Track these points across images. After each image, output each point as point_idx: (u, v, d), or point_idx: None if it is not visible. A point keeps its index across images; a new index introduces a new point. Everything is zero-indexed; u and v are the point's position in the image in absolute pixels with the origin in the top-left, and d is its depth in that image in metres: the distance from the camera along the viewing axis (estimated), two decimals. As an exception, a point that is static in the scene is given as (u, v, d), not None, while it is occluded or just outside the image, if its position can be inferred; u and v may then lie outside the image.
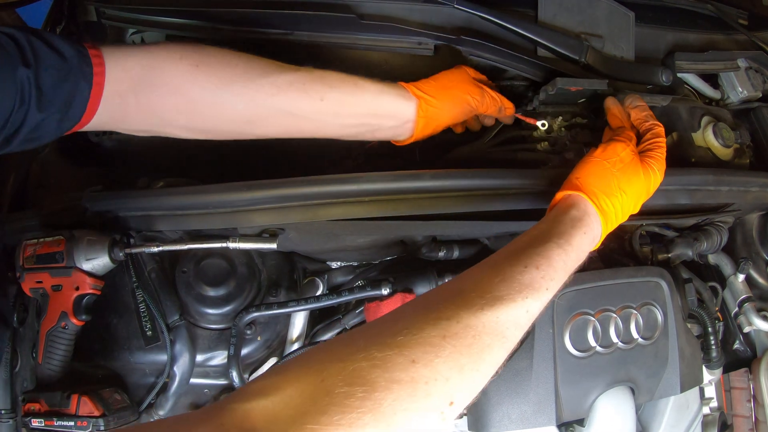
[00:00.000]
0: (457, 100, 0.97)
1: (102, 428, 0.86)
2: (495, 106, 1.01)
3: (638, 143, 0.89)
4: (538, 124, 1.06)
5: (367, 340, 0.56)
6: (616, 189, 0.79)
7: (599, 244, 0.79)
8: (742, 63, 1.25)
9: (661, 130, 0.90)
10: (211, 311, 0.99)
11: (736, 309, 1.20)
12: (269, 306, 0.96)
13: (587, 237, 0.74)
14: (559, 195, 0.80)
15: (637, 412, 0.94)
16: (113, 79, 0.81)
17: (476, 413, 0.88)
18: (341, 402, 0.49)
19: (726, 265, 1.22)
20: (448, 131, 1.06)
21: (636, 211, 0.85)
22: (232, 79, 0.85)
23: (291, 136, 0.93)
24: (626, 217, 0.82)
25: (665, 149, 0.87)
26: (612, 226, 0.80)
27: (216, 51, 0.87)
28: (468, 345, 0.57)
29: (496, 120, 1.09)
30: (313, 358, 0.56)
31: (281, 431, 0.48)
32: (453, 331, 0.57)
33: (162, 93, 0.83)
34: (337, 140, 0.96)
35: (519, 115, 1.08)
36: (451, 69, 1.01)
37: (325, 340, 0.99)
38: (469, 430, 0.91)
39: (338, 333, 1.04)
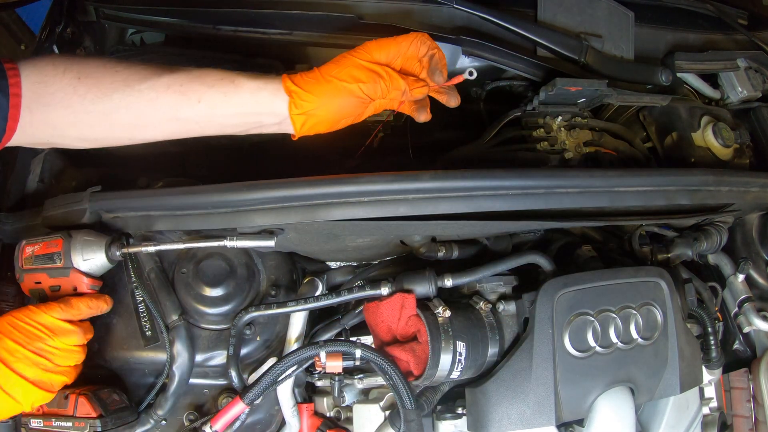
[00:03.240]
0: (337, 92, 0.87)
1: (99, 429, 0.86)
2: (397, 90, 0.89)
3: None
4: (465, 74, 0.94)
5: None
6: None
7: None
8: (741, 63, 1.25)
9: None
10: (210, 311, 0.99)
11: (736, 309, 1.20)
12: (268, 306, 0.96)
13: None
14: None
15: (636, 412, 0.94)
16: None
17: (476, 413, 0.88)
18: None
19: (726, 265, 1.21)
20: (446, 130, 1.05)
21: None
22: (113, 87, 0.86)
23: (180, 137, 0.92)
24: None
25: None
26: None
27: (99, 61, 0.88)
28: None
29: (486, 116, 1.07)
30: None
31: None
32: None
33: (51, 107, 0.84)
34: (332, 143, 0.95)
35: (441, 85, 0.92)
36: (343, 54, 0.90)
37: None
38: (468, 430, 0.91)
39: (337, 333, 1.04)
